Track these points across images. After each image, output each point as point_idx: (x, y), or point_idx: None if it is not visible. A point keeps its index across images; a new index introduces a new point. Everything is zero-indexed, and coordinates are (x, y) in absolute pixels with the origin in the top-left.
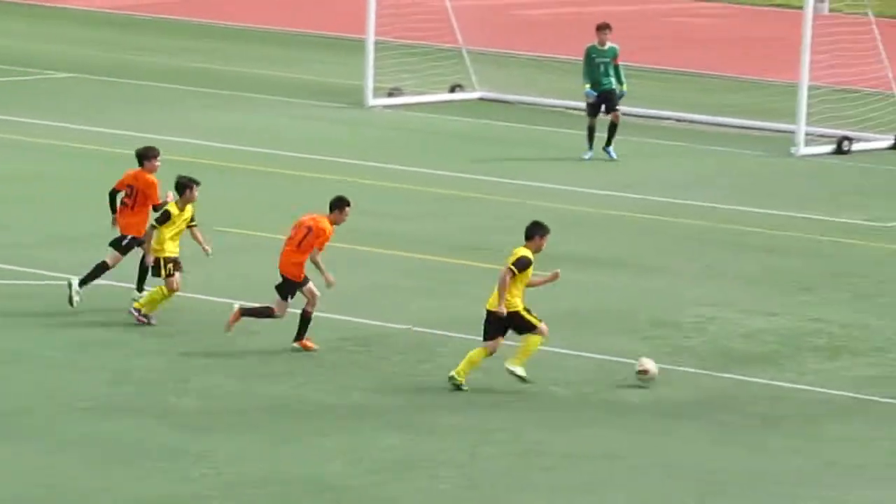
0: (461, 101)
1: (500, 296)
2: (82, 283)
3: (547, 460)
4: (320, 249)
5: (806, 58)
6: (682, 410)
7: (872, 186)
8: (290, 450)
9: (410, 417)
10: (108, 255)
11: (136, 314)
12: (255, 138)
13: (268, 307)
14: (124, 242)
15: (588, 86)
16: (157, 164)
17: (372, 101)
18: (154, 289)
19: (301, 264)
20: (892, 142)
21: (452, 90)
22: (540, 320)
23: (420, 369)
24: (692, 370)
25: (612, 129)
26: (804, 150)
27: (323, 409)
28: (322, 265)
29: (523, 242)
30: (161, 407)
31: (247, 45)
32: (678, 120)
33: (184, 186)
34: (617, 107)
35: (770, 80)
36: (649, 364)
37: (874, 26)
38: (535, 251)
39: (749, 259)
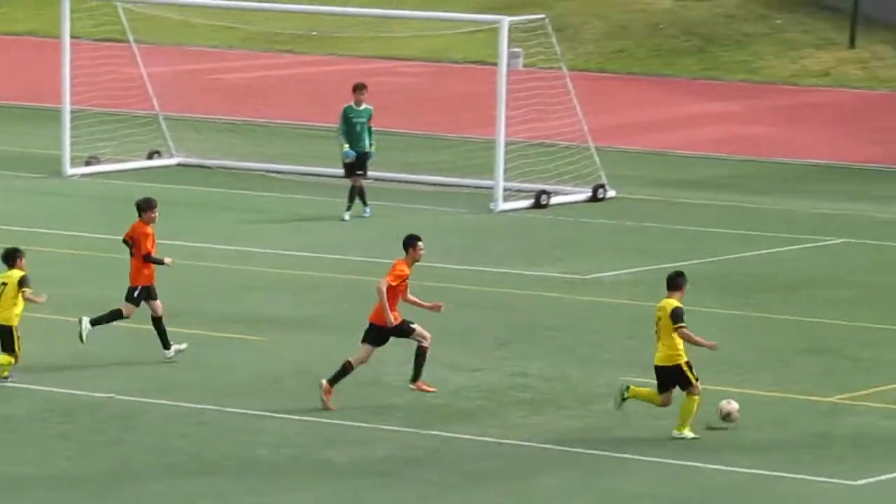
0: (160, 168)
1: (693, 341)
2: (94, 322)
3: None
4: (404, 294)
5: (501, 113)
6: (389, 469)
7: (570, 240)
8: None
9: (115, 486)
10: (123, 304)
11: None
12: None
13: (346, 363)
14: (136, 294)
15: (347, 146)
16: (155, 215)
17: (70, 171)
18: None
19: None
20: (590, 194)
21: (150, 157)
22: (697, 378)
23: (124, 437)
24: (398, 428)
25: (361, 193)
26: (503, 205)
27: (26, 480)
28: (418, 300)
29: (666, 294)
30: None
31: None
32: (377, 179)
33: (10, 256)
34: (361, 170)
35: (469, 136)
36: (729, 408)
37: (568, 80)
38: (680, 299)
39: (450, 315)
